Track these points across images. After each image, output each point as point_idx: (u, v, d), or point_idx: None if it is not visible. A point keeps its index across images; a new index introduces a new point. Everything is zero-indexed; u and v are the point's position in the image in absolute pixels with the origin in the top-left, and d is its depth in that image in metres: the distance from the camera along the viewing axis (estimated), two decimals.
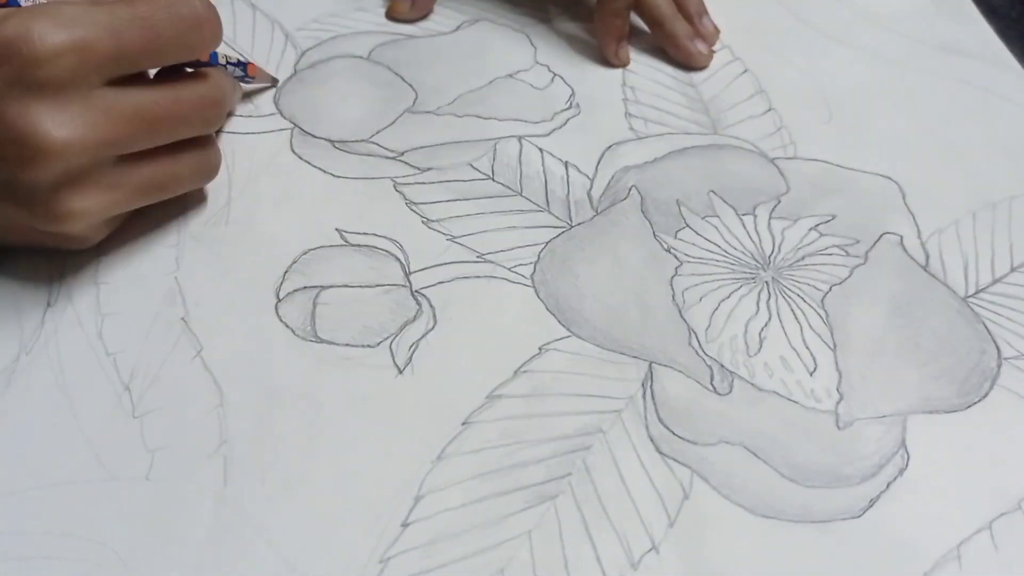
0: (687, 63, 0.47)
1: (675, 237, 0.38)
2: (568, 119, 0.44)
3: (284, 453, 0.31)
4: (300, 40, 0.47)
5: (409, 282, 0.36)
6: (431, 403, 0.32)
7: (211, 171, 0.37)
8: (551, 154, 0.42)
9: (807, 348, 0.35)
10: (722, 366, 0.34)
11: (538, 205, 0.40)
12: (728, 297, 0.36)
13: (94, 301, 0.35)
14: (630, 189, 0.40)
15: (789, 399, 0.33)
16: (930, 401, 0.33)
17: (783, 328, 0.35)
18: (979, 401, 0.33)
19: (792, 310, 0.36)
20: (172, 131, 0.33)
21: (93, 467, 0.30)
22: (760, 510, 0.30)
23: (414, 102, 0.44)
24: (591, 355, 0.34)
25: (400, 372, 0.33)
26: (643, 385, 0.33)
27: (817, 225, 0.39)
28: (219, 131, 0.41)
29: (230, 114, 0.42)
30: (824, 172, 0.42)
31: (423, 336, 0.34)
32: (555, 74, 0.47)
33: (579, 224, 0.39)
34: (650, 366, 0.34)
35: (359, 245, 0.37)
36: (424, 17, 0.49)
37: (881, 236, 0.39)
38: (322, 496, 0.30)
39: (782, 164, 0.42)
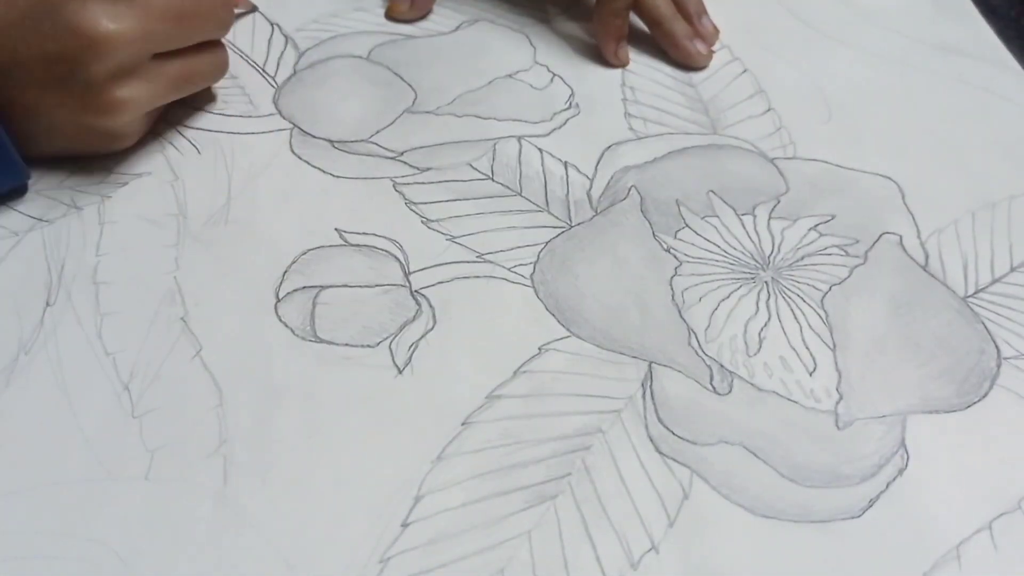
0: (686, 63, 0.47)
1: (675, 237, 0.38)
2: (567, 119, 0.44)
3: (284, 453, 0.31)
4: (300, 40, 0.47)
5: (409, 282, 0.36)
6: (431, 403, 0.32)
7: (224, 68, 0.42)
8: (551, 154, 0.42)
9: (807, 348, 0.35)
10: (722, 366, 0.34)
11: (537, 205, 0.40)
12: (728, 297, 0.36)
13: (93, 301, 0.35)
14: (630, 189, 0.40)
15: (789, 399, 0.33)
16: (930, 401, 0.33)
17: (783, 328, 0.35)
18: (979, 401, 0.33)
19: (792, 310, 0.36)
20: (197, 28, 0.38)
21: (93, 467, 0.30)
22: (760, 510, 0.30)
23: (413, 102, 0.44)
24: (591, 355, 0.34)
25: (400, 372, 0.33)
26: (643, 385, 0.33)
27: (817, 225, 0.39)
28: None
29: None
30: (824, 172, 0.42)
31: (423, 336, 0.34)
32: (554, 74, 0.47)
33: (579, 224, 0.39)
34: (650, 366, 0.34)
35: (359, 245, 0.37)
36: (423, 17, 0.49)
37: (881, 236, 0.39)
38: (322, 496, 0.30)
39: (782, 164, 0.42)
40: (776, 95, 0.46)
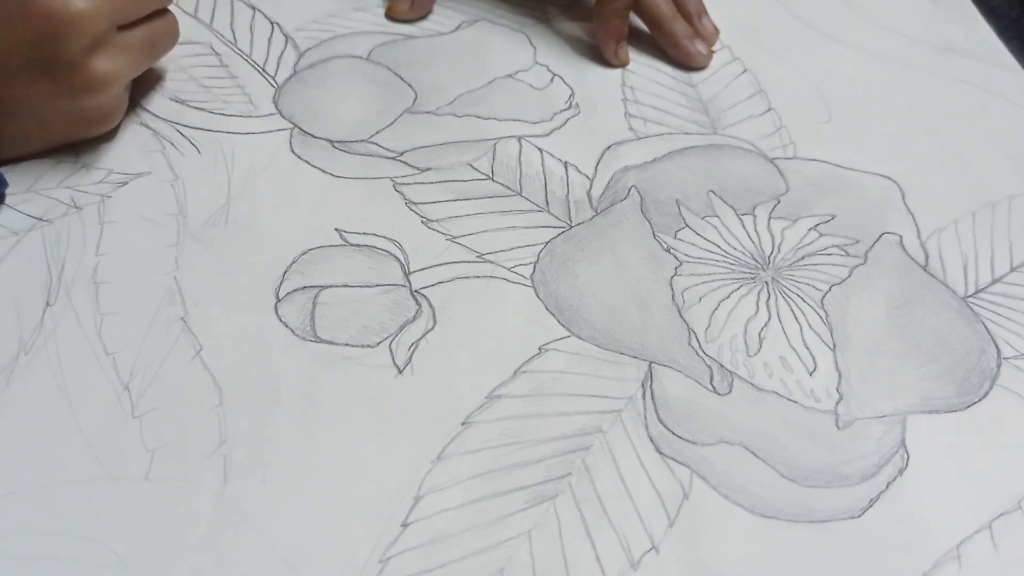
0: (686, 63, 0.47)
1: (675, 237, 0.38)
2: (568, 119, 0.44)
3: (284, 453, 0.31)
4: (300, 40, 0.47)
5: (409, 282, 0.36)
6: (431, 403, 0.32)
7: (177, 33, 0.42)
8: (551, 154, 0.42)
9: (807, 348, 0.35)
10: (722, 366, 0.34)
11: (538, 205, 0.40)
12: (728, 297, 0.36)
13: (93, 300, 0.35)
14: (630, 189, 0.40)
15: (789, 399, 0.33)
16: (930, 401, 0.33)
17: (783, 328, 0.35)
18: (979, 401, 0.33)
19: (792, 310, 0.36)
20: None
21: (92, 467, 0.30)
22: (759, 510, 0.30)
23: (413, 102, 0.44)
24: (591, 355, 0.34)
25: (400, 372, 0.33)
26: (643, 385, 0.33)
27: (817, 225, 0.39)
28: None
29: None
30: (824, 172, 0.42)
31: (423, 336, 0.34)
32: (555, 74, 0.47)
33: (579, 224, 0.39)
34: (650, 366, 0.34)
35: (359, 245, 0.37)
36: (423, 17, 0.49)
37: (881, 236, 0.39)
38: (322, 496, 0.30)
39: (782, 164, 0.42)
40: (776, 95, 0.46)
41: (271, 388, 0.32)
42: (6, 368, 0.32)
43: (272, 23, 0.48)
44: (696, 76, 0.47)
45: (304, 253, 0.37)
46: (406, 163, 0.41)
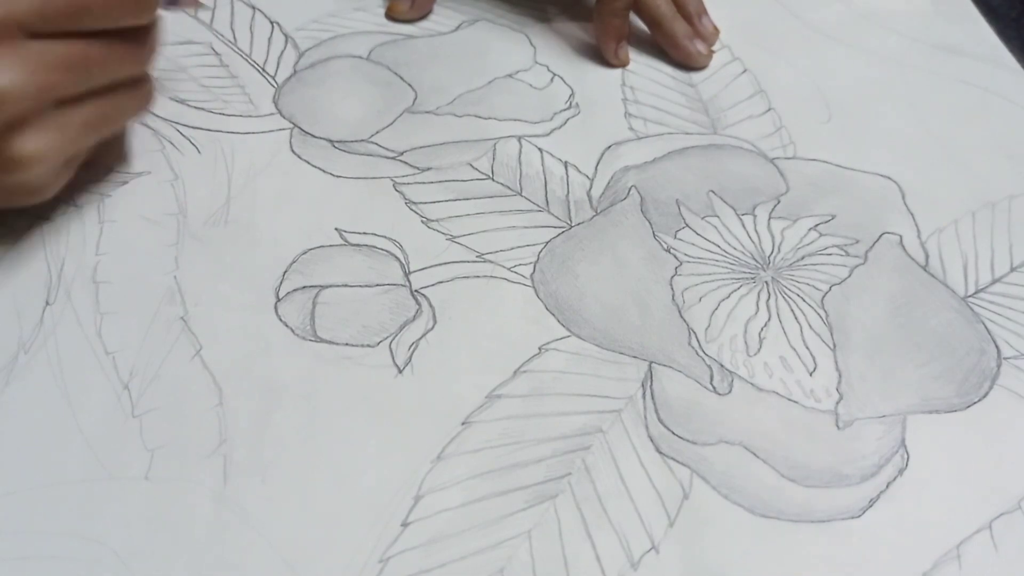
0: (686, 63, 0.47)
1: (675, 237, 0.38)
2: (568, 119, 0.44)
3: (284, 453, 0.31)
4: (300, 40, 0.47)
5: (409, 282, 0.36)
6: (431, 403, 0.32)
7: (149, 101, 0.37)
8: (551, 154, 0.42)
9: (807, 348, 0.35)
10: (722, 366, 0.34)
11: (538, 205, 0.40)
12: (728, 297, 0.36)
13: (93, 300, 0.35)
14: (630, 189, 0.40)
15: (789, 399, 0.33)
16: (930, 401, 0.33)
17: (783, 328, 0.35)
18: (979, 401, 0.33)
19: (792, 310, 0.36)
20: (107, 74, 0.34)
21: (92, 466, 0.30)
22: (760, 510, 0.30)
23: (414, 102, 0.44)
24: (591, 355, 0.34)
25: (400, 372, 0.33)
26: (643, 385, 0.33)
27: (817, 225, 0.39)
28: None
29: None
30: (824, 172, 0.42)
31: (423, 336, 0.34)
32: (555, 74, 0.47)
33: (579, 224, 0.39)
34: (650, 366, 0.34)
35: (359, 245, 0.37)
36: (423, 17, 0.49)
37: (881, 236, 0.39)
38: (322, 496, 0.30)
39: (782, 164, 0.42)
40: (776, 95, 0.46)
41: (271, 388, 0.32)
42: (6, 367, 0.32)
43: (272, 23, 0.48)
44: (696, 76, 0.47)
45: (304, 253, 0.37)
46: (406, 163, 0.41)
